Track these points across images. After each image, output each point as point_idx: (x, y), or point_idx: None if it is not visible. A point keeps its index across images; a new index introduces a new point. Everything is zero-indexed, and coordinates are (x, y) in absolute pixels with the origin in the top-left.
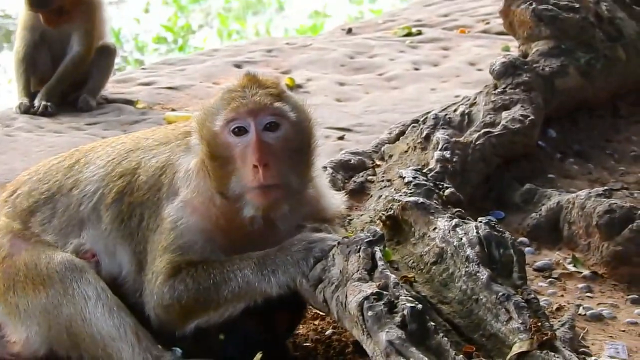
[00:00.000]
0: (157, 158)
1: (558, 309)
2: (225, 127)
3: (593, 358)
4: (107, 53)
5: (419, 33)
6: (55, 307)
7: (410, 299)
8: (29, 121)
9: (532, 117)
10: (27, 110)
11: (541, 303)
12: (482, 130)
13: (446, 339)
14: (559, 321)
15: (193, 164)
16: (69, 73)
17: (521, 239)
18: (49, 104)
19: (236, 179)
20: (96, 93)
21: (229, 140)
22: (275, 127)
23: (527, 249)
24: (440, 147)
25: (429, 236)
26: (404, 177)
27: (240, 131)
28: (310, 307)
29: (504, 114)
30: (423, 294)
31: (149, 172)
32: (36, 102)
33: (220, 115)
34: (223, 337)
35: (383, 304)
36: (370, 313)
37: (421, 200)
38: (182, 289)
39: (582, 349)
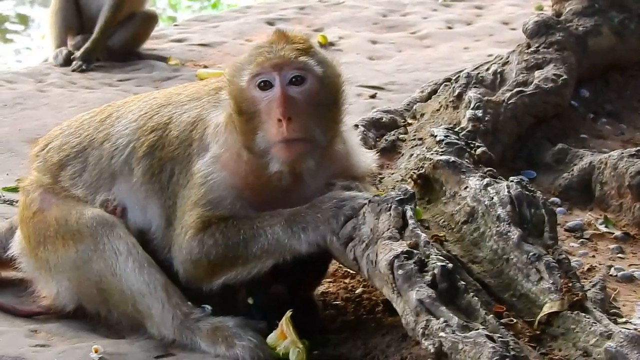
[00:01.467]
0: (189, 113)
1: (589, 270)
2: (251, 82)
3: (624, 319)
4: (148, 19)
5: None
6: (85, 263)
7: (441, 258)
8: (62, 77)
9: (564, 76)
10: (67, 59)
11: (572, 264)
12: (515, 90)
13: (476, 298)
14: (590, 282)
15: (222, 119)
16: (108, 25)
17: (552, 199)
18: (86, 64)
19: (262, 133)
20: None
21: (255, 94)
22: (300, 81)
23: (558, 209)
24: (472, 106)
25: (460, 195)
26: (436, 136)
27: (266, 85)
28: (340, 265)
29: (537, 73)
30: (454, 253)
31: (180, 127)
32: (75, 61)
33: (247, 70)
34: (252, 300)
35: (413, 262)
36: (400, 272)
37: (453, 159)
38: (211, 244)
39: (613, 310)
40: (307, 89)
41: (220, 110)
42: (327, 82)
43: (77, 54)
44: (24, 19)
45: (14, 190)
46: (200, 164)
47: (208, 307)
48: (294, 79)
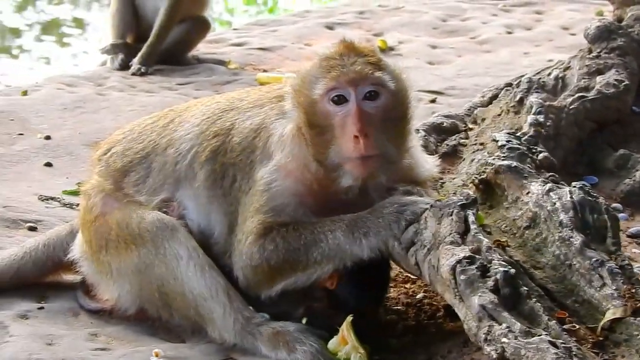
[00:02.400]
0: (251, 120)
1: None
2: (325, 96)
3: None
4: (199, 24)
5: None
6: (147, 267)
7: (503, 263)
8: (121, 80)
9: (626, 82)
10: (124, 64)
11: (635, 270)
12: (576, 95)
13: (539, 304)
14: None
15: (288, 129)
16: (164, 28)
17: (614, 204)
18: (144, 68)
19: (335, 148)
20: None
21: (328, 108)
22: (375, 97)
23: (620, 215)
24: (534, 111)
25: (522, 200)
26: (498, 141)
27: (340, 100)
28: (401, 270)
29: (598, 78)
30: (516, 258)
31: (243, 134)
32: (134, 65)
33: (320, 83)
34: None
35: (476, 267)
36: (462, 277)
37: (515, 164)
38: (272, 249)
39: None
40: (381, 104)
41: (285, 119)
42: (399, 97)
43: (135, 59)
44: (80, 23)
45: (75, 193)
46: (263, 171)
47: (265, 315)
48: (368, 94)
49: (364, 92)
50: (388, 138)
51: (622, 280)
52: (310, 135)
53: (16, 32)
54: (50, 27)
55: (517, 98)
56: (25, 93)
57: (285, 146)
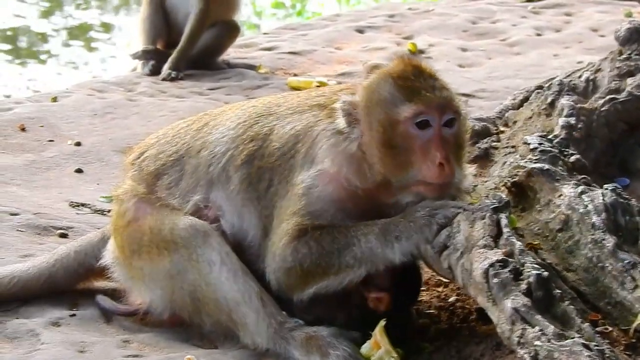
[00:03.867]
0: (292, 125)
1: None
2: (411, 119)
3: None
4: (229, 28)
5: None
6: (179, 272)
7: (536, 266)
8: (152, 85)
9: None
10: (155, 69)
11: None
12: (607, 97)
13: (572, 306)
14: None
15: (349, 143)
16: (195, 33)
17: None
18: (175, 73)
19: (412, 170)
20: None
21: (412, 132)
22: (452, 123)
23: None
24: (565, 113)
25: (555, 203)
26: (529, 144)
27: (424, 125)
28: (434, 273)
29: (629, 80)
30: (548, 261)
31: (283, 139)
32: (164, 70)
33: (406, 106)
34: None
35: (509, 271)
36: (495, 280)
37: (547, 166)
38: (306, 252)
39: None
40: (456, 131)
41: (338, 131)
42: (465, 123)
43: (166, 64)
44: (108, 27)
45: (110, 199)
46: (304, 175)
47: (299, 321)
48: (447, 121)
49: (445, 119)
50: (457, 164)
51: None
52: (383, 154)
53: (44, 37)
54: (78, 32)
55: (548, 100)
56: (55, 99)
57: (336, 155)
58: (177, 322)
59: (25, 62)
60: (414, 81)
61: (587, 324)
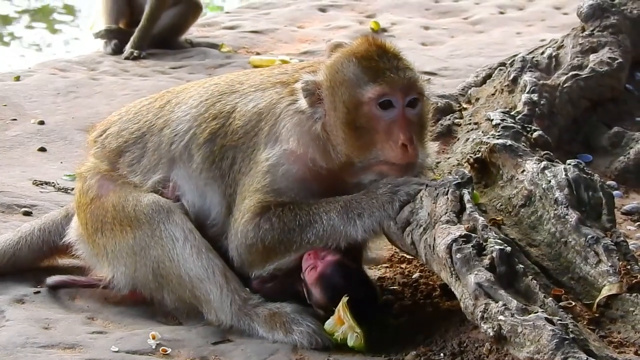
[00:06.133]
0: (255, 103)
1: None
2: (374, 100)
3: None
4: (191, 7)
5: None
6: (143, 249)
7: (499, 241)
8: (114, 65)
9: (620, 60)
10: (117, 49)
11: (630, 246)
12: (570, 73)
13: (535, 281)
14: None
15: (313, 123)
16: (155, 12)
17: (609, 182)
18: (137, 52)
19: (375, 150)
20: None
21: (375, 112)
22: (415, 104)
23: (615, 192)
24: (527, 89)
25: (517, 179)
26: (492, 120)
27: (387, 105)
28: (397, 250)
29: (592, 56)
30: (511, 236)
31: (246, 117)
32: (127, 49)
33: (370, 86)
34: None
35: (472, 246)
36: (458, 255)
37: (509, 142)
38: (267, 228)
39: None
40: (420, 111)
41: (297, 107)
42: (428, 103)
43: (128, 44)
44: (71, 10)
45: (74, 177)
46: (268, 153)
47: (262, 298)
48: (410, 101)
49: (408, 100)
50: (421, 143)
51: (617, 257)
52: (349, 135)
53: (7, 19)
54: (41, 14)
55: (511, 77)
56: (18, 78)
57: (302, 136)
58: (139, 299)
59: None
60: (377, 62)
61: (551, 298)
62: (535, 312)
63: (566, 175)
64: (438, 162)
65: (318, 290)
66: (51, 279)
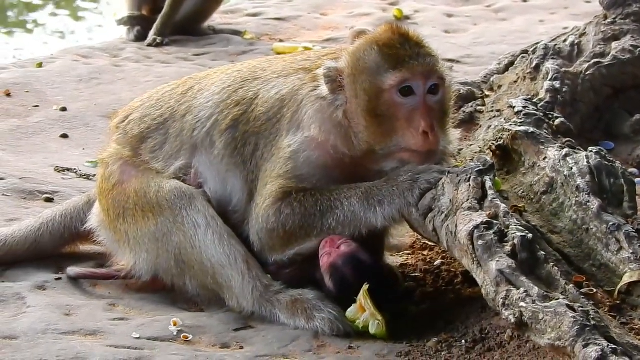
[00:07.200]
0: (278, 90)
1: None
2: (395, 87)
3: None
4: None
5: None
6: (165, 235)
7: (521, 228)
8: (137, 51)
9: None
10: (140, 36)
11: None
12: (592, 61)
13: (556, 268)
14: None
15: (335, 110)
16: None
17: (631, 169)
18: (160, 38)
19: (397, 138)
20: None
21: (396, 99)
22: (436, 90)
23: (636, 179)
24: (550, 77)
25: (539, 166)
26: (514, 107)
27: (408, 92)
28: (419, 237)
29: (614, 44)
30: (533, 223)
31: (269, 104)
32: (150, 36)
33: (390, 73)
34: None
35: (493, 233)
36: (480, 242)
37: (531, 129)
38: (289, 213)
39: None
40: (441, 98)
41: (323, 97)
42: (449, 89)
43: (151, 30)
44: None
45: (96, 164)
46: (291, 139)
47: (284, 284)
48: (432, 88)
49: (429, 86)
50: (442, 130)
51: (638, 244)
52: (370, 122)
53: (31, 7)
54: (65, 1)
55: (533, 65)
56: (40, 65)
57: (324, 122)
58: (160, 286)
59: (12, 31)
60: (399, 49)
61: (572, 285)
62: (556, 299)
63: (588, 162)
64: (460, 149)
65: (327, 277)
66: (71, 271)
